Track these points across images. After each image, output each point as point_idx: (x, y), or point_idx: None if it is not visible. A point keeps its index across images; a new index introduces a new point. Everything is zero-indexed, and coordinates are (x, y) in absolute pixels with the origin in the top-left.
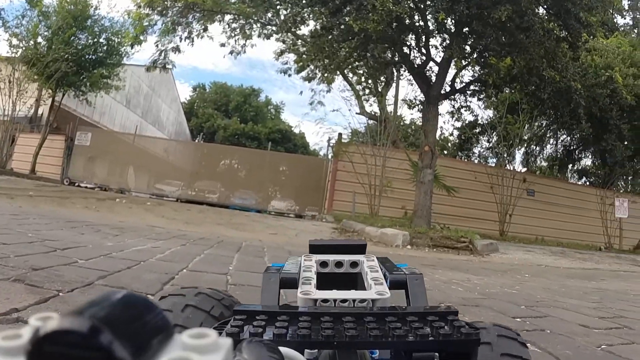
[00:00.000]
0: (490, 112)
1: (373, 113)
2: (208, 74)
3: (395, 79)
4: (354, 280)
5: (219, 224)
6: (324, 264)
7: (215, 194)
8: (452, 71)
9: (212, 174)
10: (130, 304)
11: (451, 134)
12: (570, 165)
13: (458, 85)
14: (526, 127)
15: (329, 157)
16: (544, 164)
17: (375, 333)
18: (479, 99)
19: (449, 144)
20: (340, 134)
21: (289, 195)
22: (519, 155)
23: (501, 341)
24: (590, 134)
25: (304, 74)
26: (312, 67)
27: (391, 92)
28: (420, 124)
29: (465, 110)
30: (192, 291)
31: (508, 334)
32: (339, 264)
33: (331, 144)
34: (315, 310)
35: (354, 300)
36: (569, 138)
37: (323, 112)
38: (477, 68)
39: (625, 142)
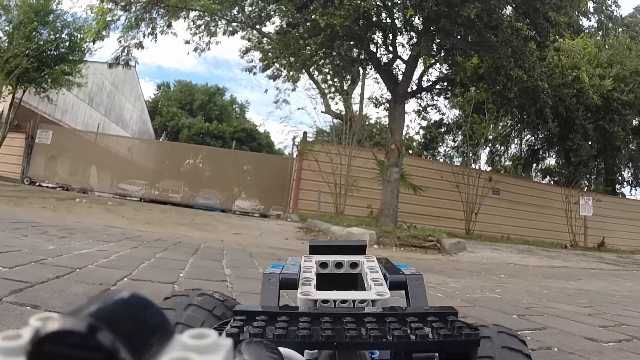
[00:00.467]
0: (456, 112)
1: (339, 112)
2: (172, 73)
3: (361, 77)
4: (354, 281)
5: (181, 224)
6: (323, 264)
7: (179, 193)
8: (419, 69)
9: (176, 173)
10: (130, 304)
11: (417, 133)
12: (535, 164)
13: (425, 84)
14: (491, 127)
15: (294, 156)
16: (509, 163)
17: (375, 334)
18: (445, 98)
19: (414, 144)
20: (305, 133)
21: (254, 194)
22: (484, 154)
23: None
24: (556, 133)
25: (269, 72)
26: (277, 65)
27: (357, 91)
28: (386, 122)
29: (431, 109)
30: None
31: (508, 332)
32: (338, 264)
33: (296, 143)
34: (315, 311)
35: (353, 301)
36: (533, 138)
37: (288, 111)
38: (444, 67)
39: (590, 142)
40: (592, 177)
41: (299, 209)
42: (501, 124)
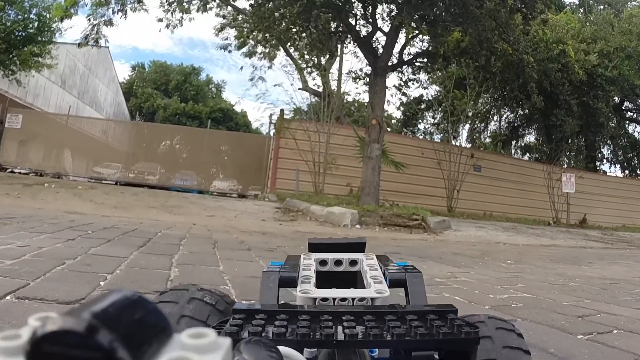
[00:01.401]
0: (436, 88)
1: (317, 87)
2: (148, 54)
3: (339, 51)
4: (353, 279)
5: (152, 207)
6: (323, 262)
7: (155, 175)
8: (400, 42)
9: (152, 155)
10: (129, 304)
11: (398, 108)
12: (514, 141)
13: (406, 58)
14: (472, 103)
15: (271, 134)
16: (488, 140)
17: (374, 332)
18: (427, 72)
19: (393, 121)
20: (282, 110)
21: (232, 175)
22: (464, 132)
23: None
24: (540, 108)
25: (245, 50)
26: (253, 42)
27: (335, 67)
28: (365, 100)
29: (412, 83)
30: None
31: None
32: (338, 262)
33: (273, 121)
34: (315, 309)
35: (353, 299)
36: (512, 115)
37: (264, 89)
38: (426, 40)
39: (573, 119)
40: (572, 154)
41: (277, 189)
42: (481, 100)
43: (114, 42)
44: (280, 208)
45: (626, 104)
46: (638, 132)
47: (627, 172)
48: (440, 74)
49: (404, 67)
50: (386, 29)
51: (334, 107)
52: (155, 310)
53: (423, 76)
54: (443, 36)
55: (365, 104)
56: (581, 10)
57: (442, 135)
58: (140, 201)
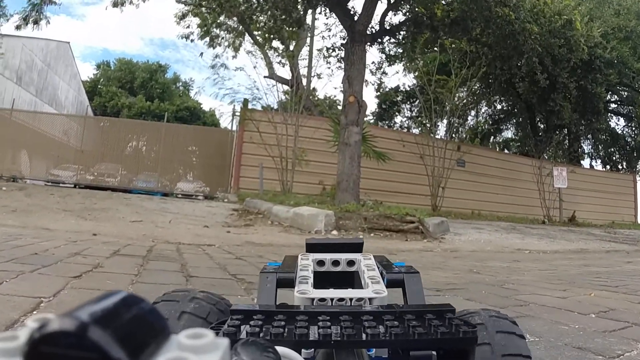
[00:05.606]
0: (412, 79)
1: (288, 72)
2: (118, 55)
3: (309, 30)
4: (351, 279)
5: (68, 210)
6: (320, 262)
7: (116, 177)
8: (381, 8)
9: (113, 156)
10: (127, 305)
11: (377, 91)
12: (493, 136)
13: (389, 28)
14: (455, 95)
15: (234, 128)
16: (464, 135)
17: (372, 332)
18: (412, 47)
19: (369, 112)
20: (246, 100)
21: (198, 176)
22: (442, 126)
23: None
24: (537, 92)
25: (208, 39)
26: (217, 30)
27: (305, 52)
28: (338, 97)
29: (393, 62)
30: None
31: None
32: (335, 262)
33: (237, 114)
34: (313, 309)
35: (351, 299)
36: (491, 110)
37: (227, 76)
38: (407, 8)
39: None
40: (552, 149)
41: (240, 188)
42: (463, 92)
43: (84, 42)
44: (238, 210)
45: (608, 96)
46: (619, 126)
47: (608, 167)
48: (421, 62)
49: (386, 38)
50: None
51: (302, 94)
52: (152, 310)
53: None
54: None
55: (337, 102)
56: None
57: (420, 129)
58: (59, 204)
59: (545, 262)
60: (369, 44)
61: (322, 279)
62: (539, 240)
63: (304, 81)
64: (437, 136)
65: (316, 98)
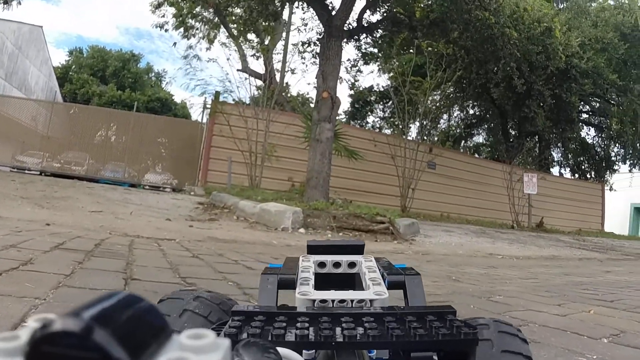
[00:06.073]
0: (387, 79)
1: (262, 67)
2: (93, 43)
3: (284, 24)
4: (352, 281)
5: (27, 198)
6: (322, 264)
7: (83, 166)
8: (360, 4)
9: (81, 144)
10: (128, 305)
11: (351, 88)
12: (464, 140)
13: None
14: (429, 99)
15: (204, 120)
16: (436, 138)
17: (373, 333)
18: (389, 45)
19: (341, 111)
20: (217, 92)
21: (167, 167)
22: (414, 128)
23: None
24: (512, 98)
25: (182, 30)
26: (192, 21)
27: (280, 47)
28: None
29: (369, 61)
30: None
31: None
32: (337, 264)
33: (207, 106)
34: (314, 311)
35: (352, 301)
36: (462, 114)
37: (200, 69)
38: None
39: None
40: (522, 156)
41: (208, 182)
42: (437, 95)
43: (58, 28)
44: (203, 204)
45: (580, 106)
46: (589, 136)
47: (576, 175)
48: (396, 62)
49: (363, 36)
50: None
51: (275, 88)
52: (154, 311)
53: (374, 67)
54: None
55: (310, 100)
56: None
57: (392, 129)
58: (17, 191)
59: (522, 269)
60: (345, 40)
61: (323, 281)
62: (510, 245)
63: (278, 76)
64: (409, 138)
65: (289, 95)
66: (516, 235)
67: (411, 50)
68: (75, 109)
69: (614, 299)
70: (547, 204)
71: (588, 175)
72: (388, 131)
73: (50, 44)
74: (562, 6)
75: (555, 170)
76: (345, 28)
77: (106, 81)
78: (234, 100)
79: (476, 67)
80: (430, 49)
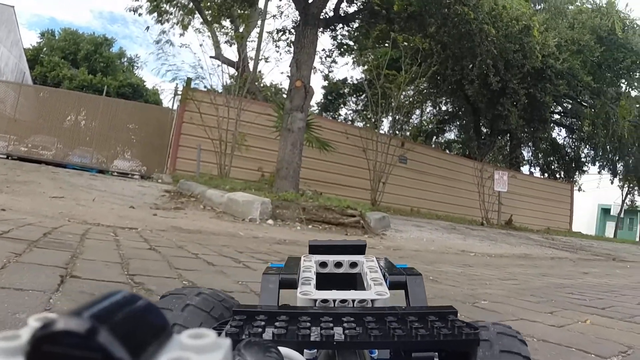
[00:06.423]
0: (361, 72)
1: (235, 54)
2: (66, 26)
3: (260, 12)
4: (354, 281)
5: None
6: (323, 264)
7: (51, 150)
8: None
9: (50, 128)
10: (129, 304)
11: (325, 78)
12: (436, 137)
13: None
14: (403, 94)
15: (175, 107)
16: (408, 133)
17: (374, 333)
18: (365, 37)
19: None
20: (189, 79)
21: (136, 154)
22: (386, 122)
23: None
24: (487, 95)
25: (156, 14)
26: (166, 6)
27: (255, 35)
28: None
29: (344, 53)
30: None
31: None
32: (338, 264)
33: (179, 92)
34: (315, 311)
35: (353, 301)
36: (435, 110)
37: (172, 55)
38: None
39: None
40: (493, 154)
41: (177, 170)
42: (411, 90)
43: (31, 9)
44: (170, 192)
45: (552, 106)
46: (560, 137)
47: (546, 175)
48: (371, 55)
49: (339, 26)
50: None
51: (248, 76)
52: (154, 310)
53: (349, 59)
54: None
55: (283, 90)
56: None
57: (364, 123)
58: None
59: (498, 268)
60: (321, 29)
61: (325, 281)
62: (481, 242)
63: (251, 64)
64: (381, 131)
65: (262, 85)
66: (486, 232)
67: (387, 44)
68: (45, 92)
69: (604, 306)
70: (517, 202)
71: (557, 175)
72: (360, 124)
73: (22, 25)
74: (539, 7)
75: (525, 169)
76: (321, 17)
77: (77, 65)
78: (205, 87)
79: (452, 63)
80: (406, 43)
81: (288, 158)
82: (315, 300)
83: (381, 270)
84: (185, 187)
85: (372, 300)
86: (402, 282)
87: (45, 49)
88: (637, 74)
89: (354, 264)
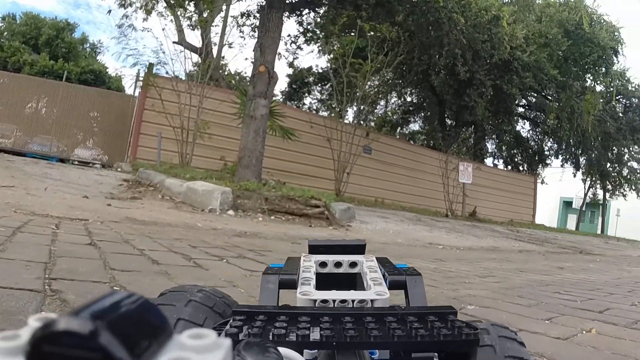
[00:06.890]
0: (326, 61)
1: (199, 40)
2: (29, 10)
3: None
4: (353, 281)
5: None
6: (323, 264)
7: (10, 139)
8: None
9: (8, 115)
10: (129, 304)
11: (291, 64)
12: (399, 128)
13: None
14: (368, 83)
15: (136, 94)
16: (372, 123)
17: (374, 333)
18: (331, 21)
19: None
20: (151, 64)
21: (98, 142)
22: (351, 112)
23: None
24: (453, 86)
25: None
26: None
27: (219, 20)
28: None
29: (310, 41)
30: None
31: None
32: (338, 264)
33: (140, 78)
34: (315, 311)
35: (353, 301)
36: (400, 101)
37: (134, 40)
38: None
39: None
40: (456, 145)
41: (137, 158)
42: (376, 80)
43: None
44: (129, 181)
45: (517, 99)
46: (524, 130)
47: (509, 167)
48: (337, 44)
49: (306, 11)
50: None
51: (211, 62)
52: (154, 310)
53: (315, 47)
54: None
55: (247, 78)
56: None
57: (329, 112)
58: None
59: (472, 262)
60: (287, 13)
61: (325, 281)
62: (448, 234)
63: (215, 50)
64: (345, 121)
65: (226, 72)
66: (452, 224)
67: (353, 32)
68: (5, 78)
69: (600, 309)
70: (481, 193)
71: (521, 168)
72: (325, 113)
73: None
74: (507, 0)
75: (489, 161)
76: (287, 1)
77: (39, 50)
78: (167, 73)
79: (419, 52)
80: (372, 33)
81: (250, 146)
82: (315, 301)
83: (381, 270)
84: (144, 176)
85: (372, 301)
86: (401, 282)
87: (5, 33)
88: (603, 68)
89: (353, 264)
